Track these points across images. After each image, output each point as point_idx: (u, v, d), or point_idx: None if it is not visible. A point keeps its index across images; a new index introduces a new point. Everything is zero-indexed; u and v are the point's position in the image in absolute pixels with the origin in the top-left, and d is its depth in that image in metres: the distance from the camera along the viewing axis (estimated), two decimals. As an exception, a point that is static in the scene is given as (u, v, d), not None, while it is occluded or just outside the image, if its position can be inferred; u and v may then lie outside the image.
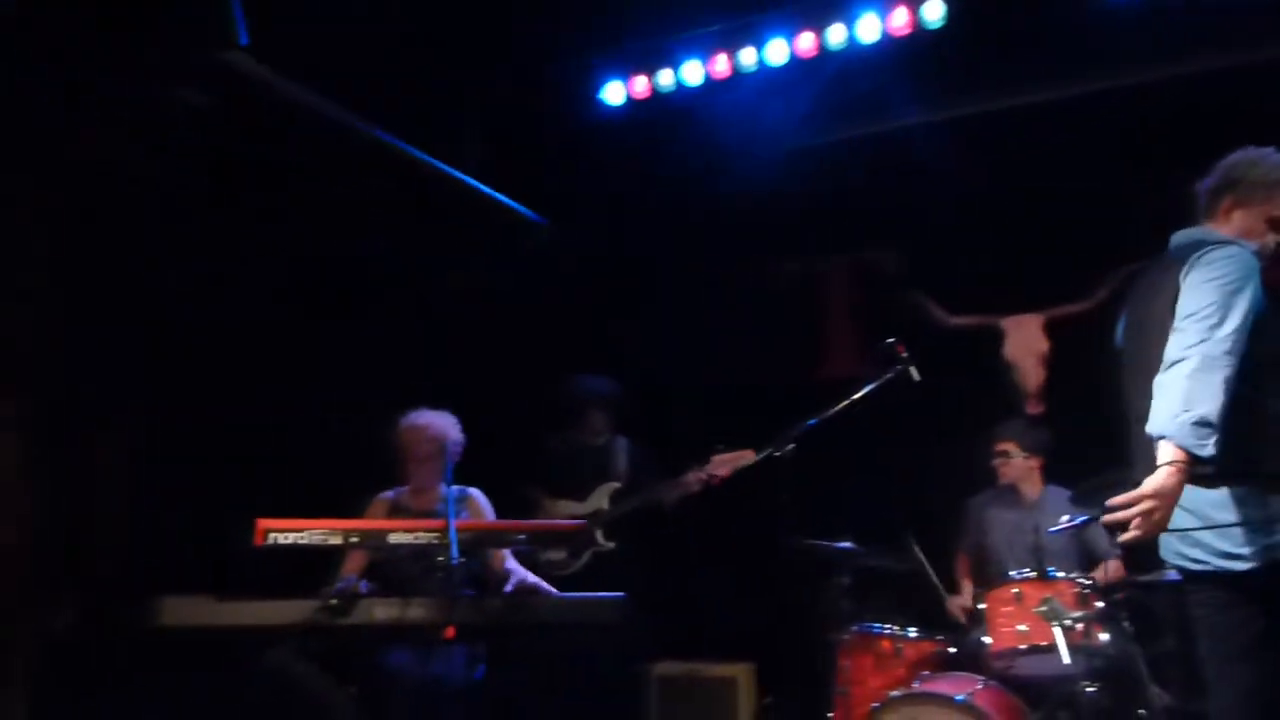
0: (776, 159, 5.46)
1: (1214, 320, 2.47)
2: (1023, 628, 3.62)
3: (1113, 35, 4.63)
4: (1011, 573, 3.86)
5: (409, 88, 4.89)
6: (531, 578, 3.57)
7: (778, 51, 5.10)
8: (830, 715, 3.93)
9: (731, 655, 5.06)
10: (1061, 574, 3.72)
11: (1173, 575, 3.51)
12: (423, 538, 3.22)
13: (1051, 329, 5.12)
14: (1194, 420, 2.36)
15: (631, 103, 5.52)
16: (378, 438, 4.01)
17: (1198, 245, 2.64)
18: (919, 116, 5.18)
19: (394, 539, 3.24)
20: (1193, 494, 2.47)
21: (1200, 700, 2.65)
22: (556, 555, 4.63)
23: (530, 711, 4.32)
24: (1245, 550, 2.45)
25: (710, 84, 5.32)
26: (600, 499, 4.82)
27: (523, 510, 4.76)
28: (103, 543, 4.02)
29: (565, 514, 4.80)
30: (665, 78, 5.41)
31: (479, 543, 3.34)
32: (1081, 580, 3.67)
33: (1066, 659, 3.45)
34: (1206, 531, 2.51)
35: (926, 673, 3.79)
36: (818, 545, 4.05)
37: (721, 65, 5.25)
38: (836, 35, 4.96)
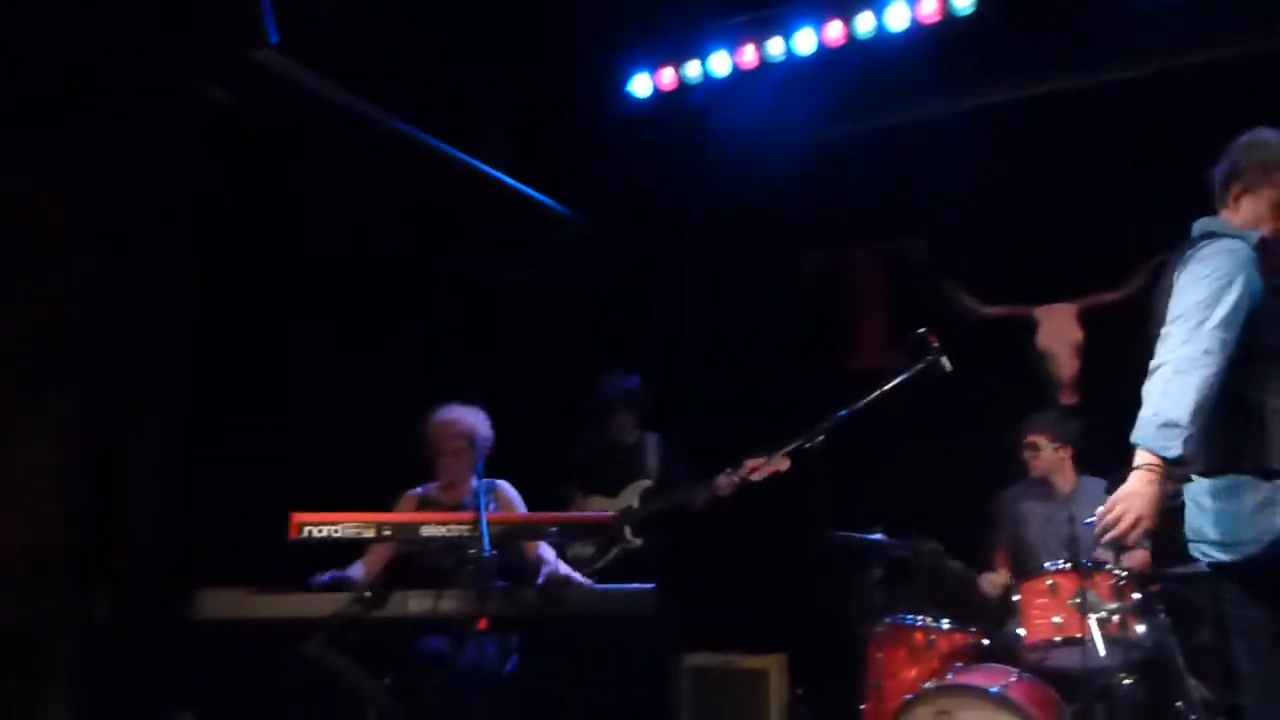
0: (805, 149, 5.44)
1: (1197, 320, 2.49)
2: (1058, 620, 3.59)
3: (1144, 20, 4.57)
4: (1046, 564, 3.83)
5: (435, 83, 4.91)
6: (564, 568, 3.58)
7: (806, 41, 5.08)
8: (862, 707, 3.92)
9: (763, 647, 5.06)
10: (1096, 565, 3.69)
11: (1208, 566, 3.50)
12: (455, 530, 3.24)
13: (1085, 318, 5.06)
14: (1160, 423, 2.41)
15: (659, 95, 5.52)
16: (409, 433, 4.03)
17: (1205, 237, 2.63)
18: (949, 105, 5.14)
19: (426, 532, 3.26)
20: (1195, 488, 2.54)
21: (1237, 693, 2.64)
22: (585, 550, 4.65)
23: (562, 702, 4.34)
24: (1232, 541, 2.48)
25: (738, 74, 5.31)
26: (631, 496, 4.84)
27: (555, 506, 4.78)
28: (140, 537, 4.07)
29: (597, 509, 4.82)
30: (693, 69, 5.40)
31: (510, 535, 3.36)
32: (1117, 572, 3.63)
33: (1102, 651, 3.42)
34: (1203, 526, 2.54)
35: (960, 665, 3.76)
36: (849, 537, 4.03)
37: (749, 56, 5.23)
38: (865, 24, 4.93)
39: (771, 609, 5.06)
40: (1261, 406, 2.51)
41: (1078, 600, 3.52)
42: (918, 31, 4.86)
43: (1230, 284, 2.51)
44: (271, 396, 4.47)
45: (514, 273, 5.69)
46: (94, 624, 3.81)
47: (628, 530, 4.67)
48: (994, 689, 3.39)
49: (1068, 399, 4.97)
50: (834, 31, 5.00)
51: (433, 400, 4.05)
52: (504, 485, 3.95)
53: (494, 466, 3.48)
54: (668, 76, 5.47)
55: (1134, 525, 2.41)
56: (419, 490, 3.99)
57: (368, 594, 3.03)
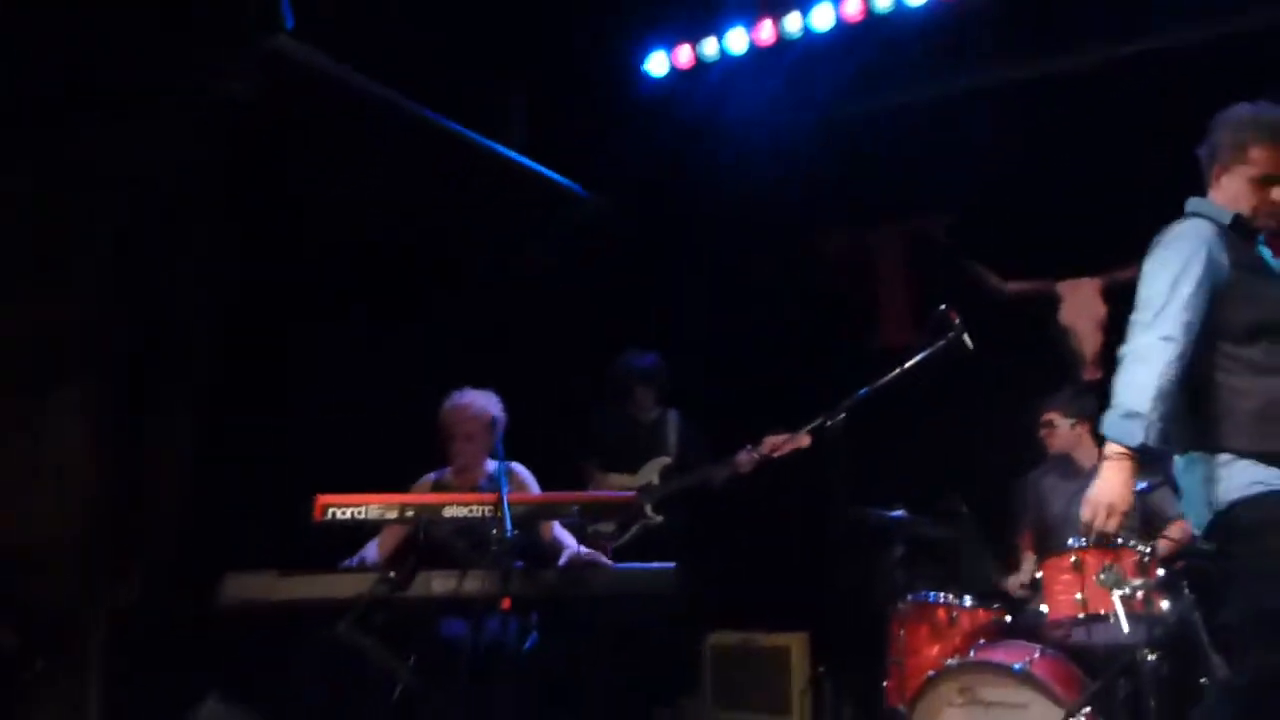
0: (824, 127, 5.41)
1: (1158, 305, 2.55)
2: (1081, 596, 3.57)
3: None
4: (1070, 541, 3.81)
5: (450, 65, 4.91)
6: (585, 550, 3.60)
7: (824, 16, 5.04)
8: (885, 684, 3.93)
9: (785, 625, 5.07)
10: (1122, 541, 3.67)
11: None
12: (476, 511, 3.26)
13: (1108, 293, 5.02)
14: (1122, 414, 2.48)
15: (676, 73, 5.49)
16: (429, 416, 4.05)
17: (1187, 217, 2.68)
18: (969, 80, 5.09)
19: (449, 513, 3.29)
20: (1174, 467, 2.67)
21: None
22: (605, 528, 4.67)
23: (585, 681, 4.38)
24: (1193, 518, 2.63)
25: (755, 52, 5.27)
26: (651, 473, 4.85)
27: (574, 483, 4.80)
28: (166, 522, 4.12)
29: (617, 487, 4.84)
30: (710, 47, 5.36)
31: (532, 516, 3.38)
32: (1141, 548, 3.61)
33: (1126, 627, 3.40)
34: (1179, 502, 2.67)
35: (983, 642, 3.76)
36: (871, 515, 4.03)
37: (766, 32, 5.19)
38: (884, -1, 4.89)
39: (793, 587, 5.06)
40: (1220, 385, 2.56)
41: (1102, 576, 3.50)
42: (937, 6, 4.81)
43: (1189, 266, 2.55)
44: (291, 381, 4.50)
45: (533, 253, 5.69)
46: (121, 609, 3.87)
47: (648, 507, 4.69)
48: (1017, 665, 3.39)
49: (1091, 374, 4.93)
50: (852, 7, 4.96)
51: (452, 381, 4.07)
52: (518, 467, 3.97)
53: (513, 447, 3.49)
54: (685, 55, 5.45)
55: (1109, 515, 2.47)
56: (433, 475, 4.01)
57: (392, 575, 3.06)
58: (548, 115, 5.41)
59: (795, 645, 4.98)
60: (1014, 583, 4.27)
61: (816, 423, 3.94)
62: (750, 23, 5.21)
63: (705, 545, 4.83)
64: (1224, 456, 2.53)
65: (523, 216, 5.62)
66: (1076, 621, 3.60)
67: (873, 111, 5.38)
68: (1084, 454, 4.33)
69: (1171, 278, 2.56)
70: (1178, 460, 2.64)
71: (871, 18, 4.95)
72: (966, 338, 3.64)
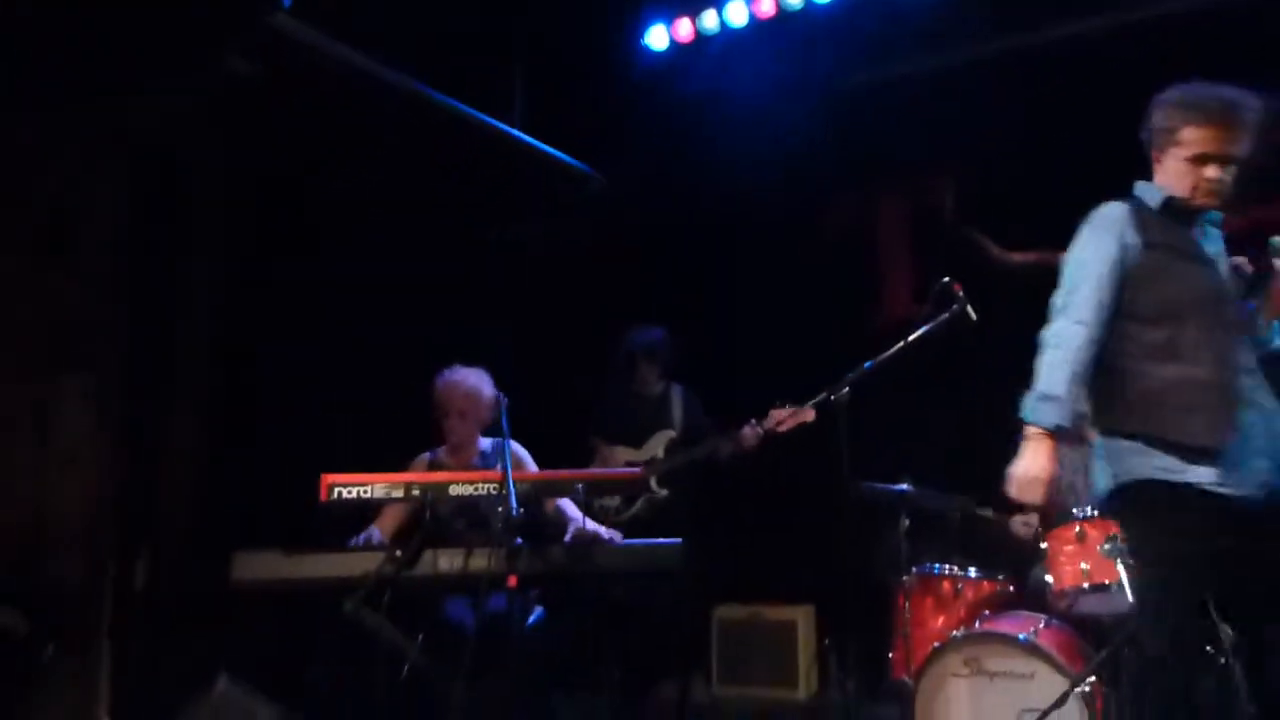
0: (827, 99, 5.37)
1: (1069, 290, 2.68)
2: (1086, 566, 3.57)
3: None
4: (1075, 511, 3.82)
5: (449, 41, 4.88)
6: (591, 524, 3.61)
7: (824, -15, 4.99)
8: (891, 656, 3.94)
9: (791, 598, 5.09)
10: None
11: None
12: (482, 489, 3.27)
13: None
14: (1038, 397, 2.63)
15: (676, 47, 5.46)
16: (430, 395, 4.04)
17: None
18: (972, 49, 5.05)
19: (454, 491, 3.29)
20: None
21: (1270, 634, 2.68)
22: (610, 502, 4.69)
23: (592, 656, 4.40)
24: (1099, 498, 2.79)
25: (755, 24, 5.23)
26: (656, 447, 4.86)
27: (580, 458, 4.81)
28: (173, 505, 4.15)
29: (622, 461, 4.85)
30: (709, 19, 5.32)
31: (536, 492, 3.38)
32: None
33: (1131, 597, 3.41)
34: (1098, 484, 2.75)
35: (988, 613, 3.77)
36: (876, 488, 4.03)
37: (766, 4, 5.15)
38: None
39: (799, 560, 5.08)
40: (1123, 368, 2.64)
41: (1106, 546, 3.50)
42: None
43: (1101, 250, 2.66)
44: (299, 360, 4.51)
45: (539, 231, 5.69)
46: (130, 592, 3.89)
47: (653, 482, 4.69)
48: (1022, 636, 3.40)
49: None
50: (853, -25, 4.92)
51: (456, 359, 4.06)
52: (513, 444, 3.96)
53: (517, 422, 3.49)
54: (684, 28, 5.40)
55: (1029, 488, 2.61)
56: (428, 455, 4.00)
57: (398, 554, 3.07)
58: (548, 91, 5.38)
59: (801, 618, 5.01)
60: (1021, 522, 4.26)
61: (821, 396, 3.94)
62: (749, -7, 5.18)
63: (710, 519, 4.84)
64: (1121, 437, 2.62)
65: (524, 193, 5.60)
66: (1081, 591, 3.61)
67: (874, 83, 5.33)
68: (1087, 423, 4.33)
69: (1084, 262, 2.68)
70: (1096, 436, 2.73)
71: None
72: (970, 309, 3.63)
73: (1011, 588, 3.90)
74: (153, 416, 4.18)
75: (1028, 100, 4.86)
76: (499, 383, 3.92)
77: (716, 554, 4.84)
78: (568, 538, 3.51)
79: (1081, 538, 3.63)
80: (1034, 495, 2.61)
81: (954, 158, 5.18)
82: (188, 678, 3.18)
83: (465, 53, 5.00)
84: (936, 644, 3.58)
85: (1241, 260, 2.68)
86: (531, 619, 3.68)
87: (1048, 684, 3.28)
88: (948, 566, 3.98)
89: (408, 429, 4.09)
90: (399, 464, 3.92)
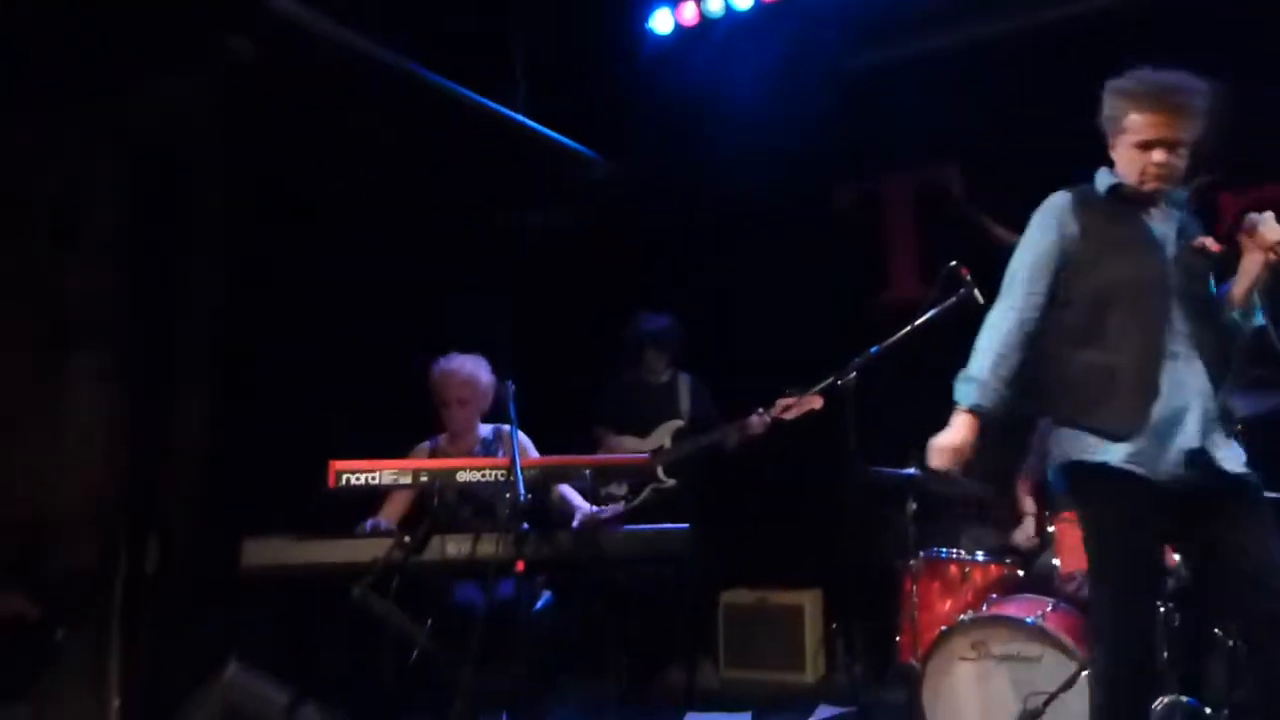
0: (832, 81, 5.34)
1: (1009, 279, 2.79)
2: (1093, 549, 3.58)
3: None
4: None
5: (452, 25, 4.86)
6: (596, 509, 3.61)
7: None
8: (898, 640, 3.95)
9: (799, 583, 5.10)
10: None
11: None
12: (490, 475, 3.27)
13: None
14: (964, 377, 2.75)
15: (681, 30, 5.44)
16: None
17: None
18: (979, 29, 5.02)
19: (462, 477, 3.30)
20: None
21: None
22: (617, 491, 4.69)
23: (599, 641, 4.42)
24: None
25: (760, 6, 5.21)
26: (663, 436, 4.86)
27: (583, 445, 4.81)
28: (183, 488, 4.16)
29: (629, 450, 4.85)
30: (714, 2, 5.30)
31: (543, 479, 3.38)
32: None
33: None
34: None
35: (995, 596, 3.77)
36: (883, 472, 4.03)
37: (772, -15, 5.14)
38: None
39: (806, 545, 5.09)
40: (1054, 354, 2.73)
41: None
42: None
43: (1038, 238, 2.76)
44: (303, 347, 4.51)
45: (543, 217, 5.67)
46: (140, 577, 3.91)
47: (660, 470, 4.70)
48: (1030, 619, 3.40)
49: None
50: (858, -43, 4.89)
51: (462, 346, 4.06)
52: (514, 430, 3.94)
53: (524, 410, 3.48)
54: (689, 11, 5.39)
55: (940, 456, 2.74)
56: (429, 443, 3.99)
57: (407, 540, 3.08)
58: (550, 76, 5.36)
59: (809, 603, 5.02)
60: (1021, 535, 4.27)
61: (828, 381, 3.94)
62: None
63: (717, 505, 4.84)
64: (1056, 421, 2.73)
65: (528, 179, 5.59)
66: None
67: (879, 65, 5.31)
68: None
69: (1023, 250, 2.79)
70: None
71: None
72: (977, 293, 3.61)
73: (1019, 571, 3.90)
74: (160, 403, 4.19)
75: (1033, 81, 4.83)
76: (502, 370, 3.91)
77: (723, 539, 4.85)
78: (575, 524, 3.51)
79: (1089, 521, 3.63)
80: (942, 462, 2.75)
81: (960, 139, 5.16)
82: (198, 662, 3.19)
83: (467, 38, 4.99)
84: (944, 628, 3.58)
85: (1205, 240, 2.66)
86: (539, 604, 3.69)
87: (1055, 667, 3.28)
88: (955, 550, 3.98)
89: (408, 417, 4.09)
90: (398, 453, 3.91)
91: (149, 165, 4.26)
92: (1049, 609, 3.48)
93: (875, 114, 5.22)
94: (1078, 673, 3.18)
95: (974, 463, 2.77)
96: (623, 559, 3.37)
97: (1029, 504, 4.38)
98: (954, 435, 2.74)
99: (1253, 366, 3.39)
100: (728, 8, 5.28)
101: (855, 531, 4.28)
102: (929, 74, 5.14)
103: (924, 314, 3.70)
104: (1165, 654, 3.30)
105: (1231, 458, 2.59)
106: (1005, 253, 5.24)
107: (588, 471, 3.39)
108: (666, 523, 3.46)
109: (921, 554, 3.95)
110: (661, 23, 5.45)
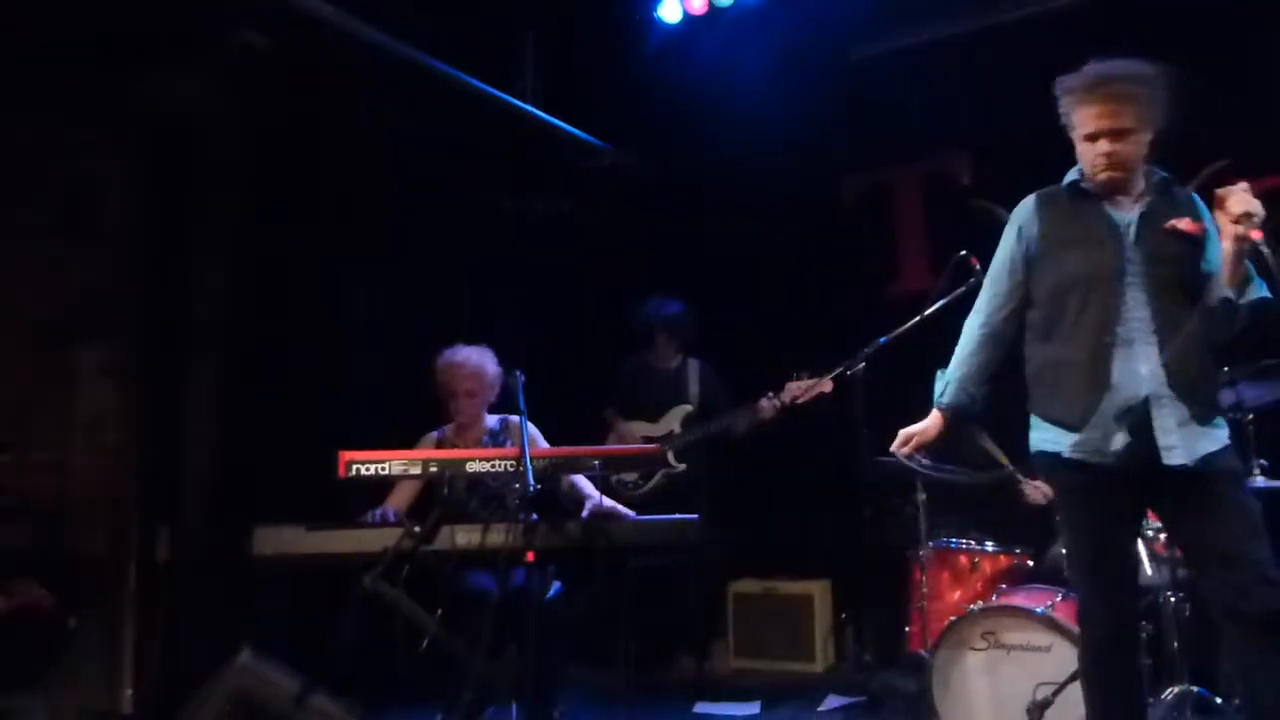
0: (841, 70, 5.33)
1: (984, 285, 2.94)
2: (1103, 539, 3.57)
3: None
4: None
5: (461, 15, 4.86)
6: (608, 502, 3.62)
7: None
8: (908, 630, 3.95)
9: (807, 572, 5.10)
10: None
11: (1259, 482, 3.45)
12: (499, 465, 3.27)
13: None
14: (938, 376, 2.97)
15: (689, 19, 5.42)
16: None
17: None
18: (988, 17, 4.99)
19: (472, 467, 3.30)
20: None
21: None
22: (628, 477, 4.70)
23: (609, 631, 4.42)
24: None
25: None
26: (673, 421, 4.86)
27: (592, 431, 4.82)
28: (194, 475, 4.18)
29: (639, 435, 4.86)
30: (723, -10, 5.30)
31: (552, 469, 3.39)
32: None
33: (1148, 570, 3.41)
34: None
35: (1005, 586, 3.77)
36: (892, 462, 4.02)
37: (780, -26, 5.12)
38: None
39: (815, 535, 5.09)
40: (1029, 352, 2.83)
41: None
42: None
43: (1002, 246, 2.88)
44: (313, 337, 4.52)
45: (552, 206, 5.68)
46: (155, 559, 3.94)
47: (670, 456, 4.70)
48: (1039, 609, 3.40)
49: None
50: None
51: (472, 336, 4.06)
52: (518, 421, 3.94)
53: (534, 395, 3.49)
54: (697, 0, 5.37)
55: (902, 444, 2.99)
56: (435, 434, 3.99)
57: (417, 529, 3.09)
58: (559, 65, 5.36)
59: (818, 592, 5.02)
60: (1035, 487, 4.24)
61: (837, 371, 3.93)
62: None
63: (727, 498, 4.85)
64: (1029, 412, 2.83)
65: (538, 168, 5.59)
66: (1099, 564, 3.60)
67: (889, 52, 5.29)
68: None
69: (994, 257, 2.91)
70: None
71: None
72: (987, 282, 3.60)
73: (1029, 561, 3.90)
74: (170, 394, 4.21)
75: (1043, 69, 4.79)
76: (512, 359, 3.91)
77: (733, 529, 4.85)
78: (585, 514, 3.52)
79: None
80: (895, 445, 3.01)
81: (970, 129, 5.13)
82: (211, 649, 3.22)
83: (476, 27, 4.98)
84: (953, 617, 3.58)
85: (1178, 221, 2.64)
86: (549, 593, 3.70)
87: (1065, 657, 3.27)
88: (964, 540, 3.98)
89: (417, 407, 4.09)
90: (404, 444, 3.92)
91: (160, 159, 4.28)
92: (1058, 599, 3.48)
93: (884, 103, 5.20)
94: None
95: (939, 450, 3.08)
96: (632, 548, 3.37)
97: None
98: (917, 425, 2.98)
99: (1261, 354, 3.39)
100: (736, -5, 5.27)
101: (864, 521, 4.28)
102: (938, 63, 5.11)
103: (933, 304, 3.69)
104: (1175, 644, 3.30)
105: (1182, 446, 2.59)
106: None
107: (597, 463, 3.40)
108: (676, 513, 3.47)
109: (931, 544, 3.95)
110: (670, 11, 5.43)
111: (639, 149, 5.73)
